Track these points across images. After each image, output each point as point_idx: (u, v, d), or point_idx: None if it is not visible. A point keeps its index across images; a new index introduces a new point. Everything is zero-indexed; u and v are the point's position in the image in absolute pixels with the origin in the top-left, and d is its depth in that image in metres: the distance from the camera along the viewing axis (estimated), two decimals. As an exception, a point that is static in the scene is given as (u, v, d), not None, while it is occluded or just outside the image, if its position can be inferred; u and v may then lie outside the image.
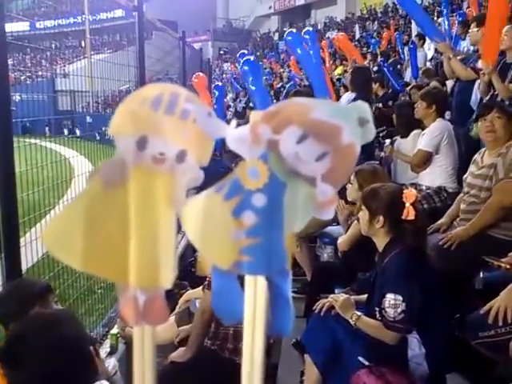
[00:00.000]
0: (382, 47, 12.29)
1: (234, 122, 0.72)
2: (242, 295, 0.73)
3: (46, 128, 8.32)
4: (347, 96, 6.82)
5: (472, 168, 3.18)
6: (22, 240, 2.39)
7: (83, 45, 29.05)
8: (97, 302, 3.60)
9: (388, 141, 4.80)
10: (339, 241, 3.34)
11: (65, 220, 0.75)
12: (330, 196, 0.72)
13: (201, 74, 7.84)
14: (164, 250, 0.75)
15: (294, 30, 6.94)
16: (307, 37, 6.66)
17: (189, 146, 0.74)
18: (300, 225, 0.74)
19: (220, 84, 8.35)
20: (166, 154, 0.74)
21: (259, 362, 0.73)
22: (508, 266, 2.43)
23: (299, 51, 6.46)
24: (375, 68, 9.26)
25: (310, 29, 7.52)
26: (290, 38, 6.63)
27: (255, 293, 0.73)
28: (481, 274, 2.54)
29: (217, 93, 7.94)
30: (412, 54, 8.56)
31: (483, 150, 3.15)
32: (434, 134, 4.07)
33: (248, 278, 0.73)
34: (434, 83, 5.78)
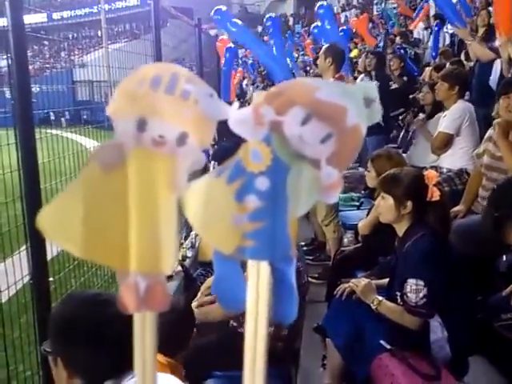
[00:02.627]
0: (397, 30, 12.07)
1: (236, 104, 0.70)
2: (245, 282, 0.72)
3: (63, 119, 8.39)
4: (361, 79, 6.77)
5: (489, 146, 3.11)
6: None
7: (100, 34, 29.15)
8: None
9: (422, 115, 4.75)
10: (360, 224, 3.33)
11: (63, 205, 0.73)
12: (335, 179, 0.69)
13: (225, 37, 7.73)
14: (165, 234, 0.73)
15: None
16: (322, 11, 6.51)
17: (190, 128, 0.71)
18: (304, 209, 0.72)
19: (232, 46, 7.99)
20: (166, 137, 0.71)
21: (262, 348, 0.71)
22: None
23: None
24: (389, 51, 9.10)
25: (325, 3, 7.24)
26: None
27: (258, 279, 0.71)
28: (504, 257, 2.51)
29: (227, 55, 7.65)
30: (435, 35, 8.40)
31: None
32: (455, 115, 4.01)
33: (251, 264, 0.71)
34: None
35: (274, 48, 6.16)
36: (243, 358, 0.72)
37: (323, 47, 4.59)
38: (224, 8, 5.81)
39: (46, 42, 32.93)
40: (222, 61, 7.60)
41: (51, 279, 2.44)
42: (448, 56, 6.83)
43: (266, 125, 0.68)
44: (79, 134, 4.56)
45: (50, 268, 2.43)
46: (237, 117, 0.69)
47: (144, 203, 0.72)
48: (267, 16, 6.36)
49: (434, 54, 8.08)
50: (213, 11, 5.76)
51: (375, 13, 16.12)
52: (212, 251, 0.73)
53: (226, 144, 3.75)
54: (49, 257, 2.40)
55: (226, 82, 7.33)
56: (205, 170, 0.89)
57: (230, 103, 0.73)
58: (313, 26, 6.89)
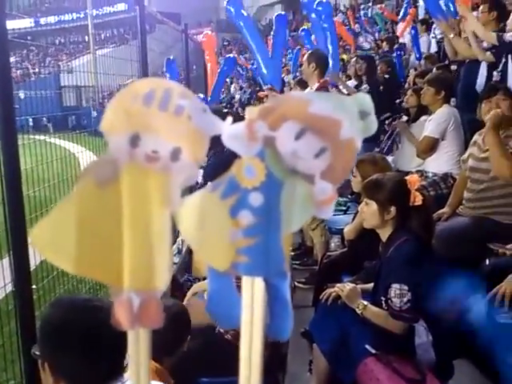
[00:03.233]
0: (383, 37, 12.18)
1: (229, 119, 0.70)
2: (240, 298, 0.72)
3: (49, 124, 8.34)
4: (351, 84, 6.80)
5: (473, 150, 3.14)
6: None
7: (87, 40, 29.05)
8: (107, 296, 3.63)
9: (405, 117, 4.78)
10: (345, 229, 3.34)
11: (56, 220, 0.73)
12: (329, 194, 0.69)
13: (209, 32, 7.73)
14: (159, 250, 0.73)
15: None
16: (320, 8, 6.33)
17: (183, 143, 0.71)
18: (298, 224, 0.72)
19: (231, 56, 7.91)
20: (159, 152, 0.72)
21: (257, 365, 0.71)
22: None
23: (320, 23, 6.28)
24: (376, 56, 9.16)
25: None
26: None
27: (252, 295, 0.71)
28: (487, 261, 2.53)
29: (225, 68, 7.63)
30: (414, 38, 8.46)
31: (484, 130, 3.11)
32: (440, 120, 4.05)
33: (245, 280, 0.71)
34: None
35: (273, 46, 6.18)
36: (230, 364, 0.73)
37: (307, 53, 4.65)
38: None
39: (33, 48, 32.74)
40: (206, 55, 7.56)
41: (34, 287, 2.41)
42: (433, 61, 6.87)
43: (260, 140, 0.68)
44: (66, 139, 4.54)
45: (34, 275, 2.41)
46: (230, 132, 0.69)
47: (137, 219, 0.72)
48: (276, 14, 6.40)
49: (417, 55, 8.14)
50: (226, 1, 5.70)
51: (363, 18, 16.27)
52: (206, 267, 0.73)
53: (215, 160, 3.76)
54: (34, 264, 2.38)
55: (219, 83, 7.31)
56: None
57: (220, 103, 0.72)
58: (301, 29, 6.82)
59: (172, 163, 0.72)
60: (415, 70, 7.57)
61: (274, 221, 0.70)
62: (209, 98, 6.60)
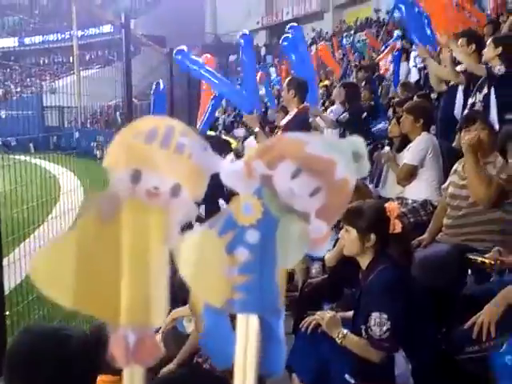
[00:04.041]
0: (366, 61, 12.41)
1: (229, 157, 0.74)
2: (234, 336, 0.72)
3: (30, 144, 8.28)
4: (335, 109, 6.85)
5: (454, 178, 3.19)
6: (5, 259, 2.37)
7: (71, 60, 29.04)
8: (84, 323, 3.56)
9: (387, 148, 4.82)
10: (326, 256, 3.33)
11: (54, 254, 0.73)
12: (323, 233, 0.71)
13: (209, 55, 7.73)
14: (156, 287, 0.73)
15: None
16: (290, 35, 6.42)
17: (183, 180, 0.73)
18: (292, 262, 0.74)
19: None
20: (160, 188, 0.73)
21: None
22: (492, 262, 2.44)
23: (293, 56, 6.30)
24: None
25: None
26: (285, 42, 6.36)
27: (247, 331, 0.72)
28: (467, 289, 2.54)
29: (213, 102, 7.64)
30: (396, 61, 8.57)
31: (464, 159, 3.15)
32: (419, 147, 4.09)
33: (240, 317, 0.72)
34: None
35: (244, 70, 6.13)
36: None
37: (286, 80, 4.72)
38: (185, 48, 5.78)
39: (16, 67, 32.61)
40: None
41: (7, 313, 2.36)
42: (409, 88, 6.93)
43: (258, 178, 0.71)
44: (47, 160, 4.49)
45: (8, 300, 2.35)
46: (229, 170, 0.72)
47: (136, 254, 0.73)
48: (240, 33, 6.23)
49: (395, 83, 8.28)
50: (174, 51, 5.70)
51: (346, 45, 16.60)
52: (202, 304, 0.75)
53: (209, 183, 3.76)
54: (7, 288, 2.33)
55: (211, 114, 7.29)
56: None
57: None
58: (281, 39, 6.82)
59: (172, 199, 0.74)
60: (393, 98, 7.69)
61: (270, 258, 0.71)
62: (199, 124, 6.54)
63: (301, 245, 0.71)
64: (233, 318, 0.73)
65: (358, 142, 0.72)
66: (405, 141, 4.62)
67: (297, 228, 0.71)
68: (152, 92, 6.43)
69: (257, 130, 4.42)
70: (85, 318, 3.57)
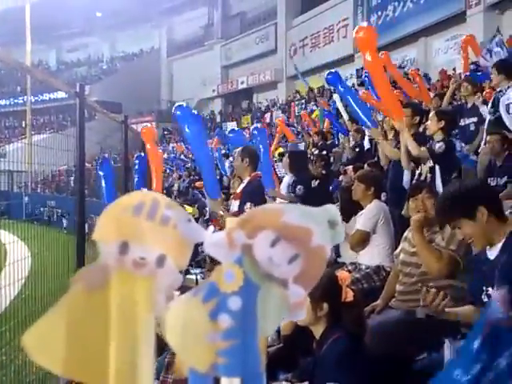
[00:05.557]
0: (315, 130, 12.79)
1: (211, 228, 0.79)
2: None
3: (-23, 210, 8.01)
4: (287, 179, 6.97)
5: (405, 245, 3.30)
6: None
7: (23, 125, 28.76)
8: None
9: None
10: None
11: (47, 325, 0.76)
12: (301, 297, 0.76)
13: (149, 124, 7.81)
14: (143, 354, 0.76)
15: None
16: (255, 133, 6.39)
17: (168, 250, 0.77)
18: (273, 327, 0.78)
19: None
20: (146, 259, 0.77)
21: None
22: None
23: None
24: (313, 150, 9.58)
25: (259, 125, 7.39)
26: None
27: None
28: (420, 357, 2.54)
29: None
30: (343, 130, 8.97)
31: None
32: (370, 214, 4.21)
33: (223, 380, 0.75)
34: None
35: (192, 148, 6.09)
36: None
37: (238, 150, 4.86)
38: (184, 104, 5.56)
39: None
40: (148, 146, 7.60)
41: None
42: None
43: (239, 248, 0.75)
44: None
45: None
46: (212, 240, 0.76)
47: (124, 323, 0.76)
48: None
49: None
50: (174, 107, 5.56)
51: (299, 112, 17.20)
52: (187, 369, 0.77)
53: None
54: None
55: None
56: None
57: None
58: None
59: (157, 269, 0.77)
60: (345, 164, 7.95)
61: (251, 324, 0.75)
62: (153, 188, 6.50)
63: (280, 310, 0.76)
64: (217, 381, 0.76)
65: (332, 210, 0.77)
66: (351, 209, 4.71)
67: (276, 294, 0.75)
68: (98, 167, 6.38)
69: (221, 213, 4.72)
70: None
